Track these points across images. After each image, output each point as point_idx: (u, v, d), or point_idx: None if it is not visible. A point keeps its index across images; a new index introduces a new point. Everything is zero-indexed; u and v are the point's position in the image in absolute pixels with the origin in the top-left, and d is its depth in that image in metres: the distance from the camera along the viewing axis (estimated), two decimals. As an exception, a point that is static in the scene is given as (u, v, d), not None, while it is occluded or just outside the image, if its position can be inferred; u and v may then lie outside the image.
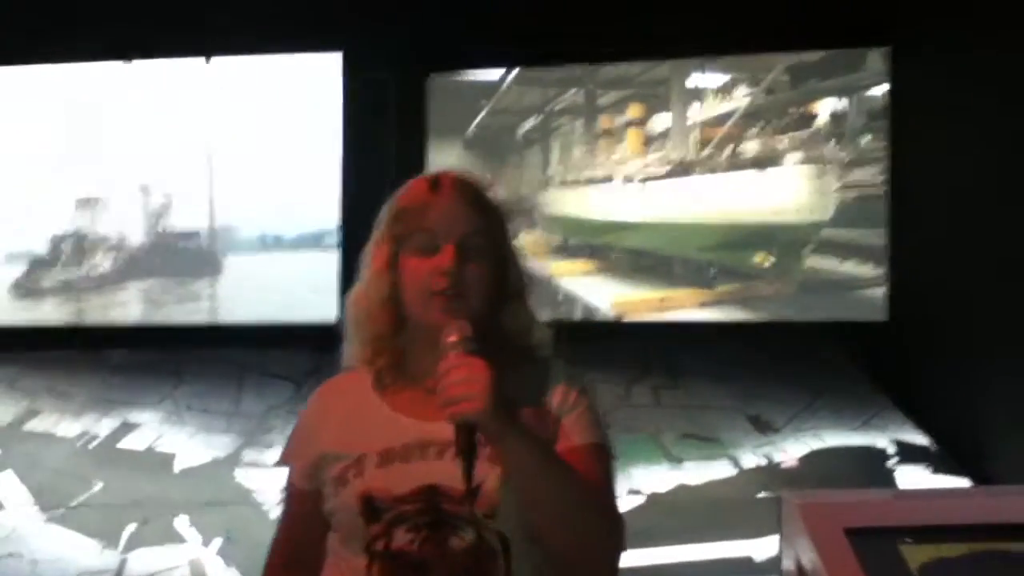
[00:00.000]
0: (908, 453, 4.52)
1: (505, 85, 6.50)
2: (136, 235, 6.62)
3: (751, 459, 4.49)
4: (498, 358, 1.21)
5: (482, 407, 1.15)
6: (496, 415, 1.16)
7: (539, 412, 1.30)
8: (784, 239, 5.91)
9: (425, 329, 1.30)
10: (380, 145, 6.05)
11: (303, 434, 1.42)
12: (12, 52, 6.37)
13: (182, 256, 6.56)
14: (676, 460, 4.50)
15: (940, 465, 4.34)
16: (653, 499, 4.09)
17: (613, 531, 1.27)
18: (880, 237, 5.71)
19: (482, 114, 6.47)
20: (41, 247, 6.65)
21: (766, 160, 5.99)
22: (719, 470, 4.39)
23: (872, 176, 5.80)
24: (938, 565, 1.60)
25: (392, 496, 1.27)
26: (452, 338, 1.21)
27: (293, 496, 1.43)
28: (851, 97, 5.97)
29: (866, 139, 5.91)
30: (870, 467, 4.39)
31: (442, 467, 1.26)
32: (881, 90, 5.82)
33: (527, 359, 1.36)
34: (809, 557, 1.70)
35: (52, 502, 4.17)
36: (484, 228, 1.33)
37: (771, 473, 4.34)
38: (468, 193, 1.35)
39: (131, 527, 3.86)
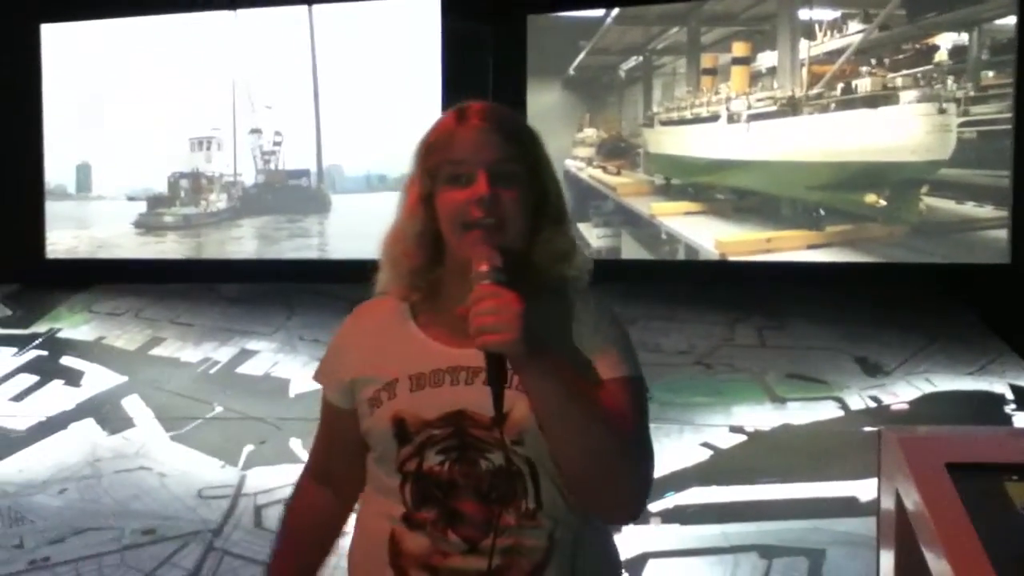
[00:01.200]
0: (1028, 399, 4.35)
1: (605, 24, 6.40)
2: (248, 174, 6.86)
3: (858, 401, 4.39)
4: (530, 289, 1.20)
5: (511, 338, 1.15)
6: (524, 347, 1.15)
7: (569, 344, 1.29)
8: (898, 179, 5.69)
9: (461, 261, 1.27)
10: (480, 85, 6.07)
11: (337, 354, 1.43)
12: (128, 3, 6.62)
13: (292, 194, 6.77)
14: (780, 400, 4.44)
15: (1060, 411, 4.17)
16: (756, 436, 4.04)
17: (639, 467, 1.27)
18: (1002, 177, 5.45)
19: (582, 54, 6.40)
20: (160, 185, 6.97)
21: (880, 98, 5.75)
22: (825, 411, 4.29)
23: (996, 113, 5.51)
24: (1045, 503, 1.54)
25: (422, 420, 1.29)
26: (482, 267, 1.20)
27: (328, 413, 1.45)
28: (973, 30, 5.66)
29: (990, 74, 5.61)
30: (986, 412, 4.21)
31: (470, 393, 1.27)
32: (1008, 22, 5.50)
33: (560, 290, 1.34)
34: (908, 492, 1.67)
35: (177, 420, 4.45)
36: (515, 153, 1.30)
37: (880, 415, 4.21)
38: (495, 120, 1.31)
39: (249, 447, 4.08)
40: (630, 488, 1.26)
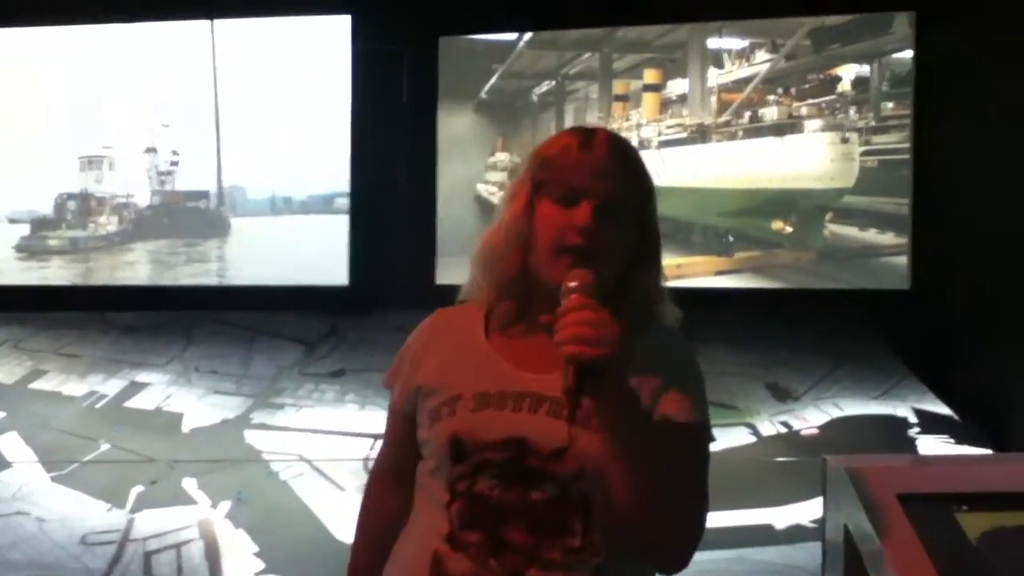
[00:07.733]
0: (930, 423, 4.42)
1: (518, 48, 6.36)
2: (143, 195, 6.53)
3: (769, 427, 4.41)
4: (620, 318, 1.17)
5: (609, 353, 1.11)
6: (618, 367, 1.14)
7: (648, 381, 1.27)
8: (804, 206, 5.79)
9: (545, 283, 1.26)
10: (390, 108, 5.95)
11: (407, 359, 1.41)
12: (18, 13, 6.26)
13: (190, 217, 6.47)
14: (694, 427, 4.41)
15: (962, 435, 4.25)
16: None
17: (695, 512, 1.26)
18: (902, 205, 5.59)
19: (494, 78, 6.34)
20: (46, 207, 6.57)
21: (786, 126, 5.86)
22: (737, 437, 4.28)
23: (895, 143, 5.67)
24: (999, 535, 1.50)
25: (480, 442, 1.27)
26: (574, 283, 1.18)
27: (395, 417, 1.45)
28: (874, 62, 5.83)
29: (890, 105, 5.78)
30: (891, 436, 4.29)
31: (534, 421, 1.26)
32: (906, 55, 5.68)
33: (646, 326, 1.32)
34: (858, 524, 1.60)
35: (58, 462, 4.12)
36: (628, 192, 1.29)
37: (790, 441, 4.26)
38: (618, 154, 1.31)
39: (139, 487, 3.81)
40: (686, 532, 1.24)
